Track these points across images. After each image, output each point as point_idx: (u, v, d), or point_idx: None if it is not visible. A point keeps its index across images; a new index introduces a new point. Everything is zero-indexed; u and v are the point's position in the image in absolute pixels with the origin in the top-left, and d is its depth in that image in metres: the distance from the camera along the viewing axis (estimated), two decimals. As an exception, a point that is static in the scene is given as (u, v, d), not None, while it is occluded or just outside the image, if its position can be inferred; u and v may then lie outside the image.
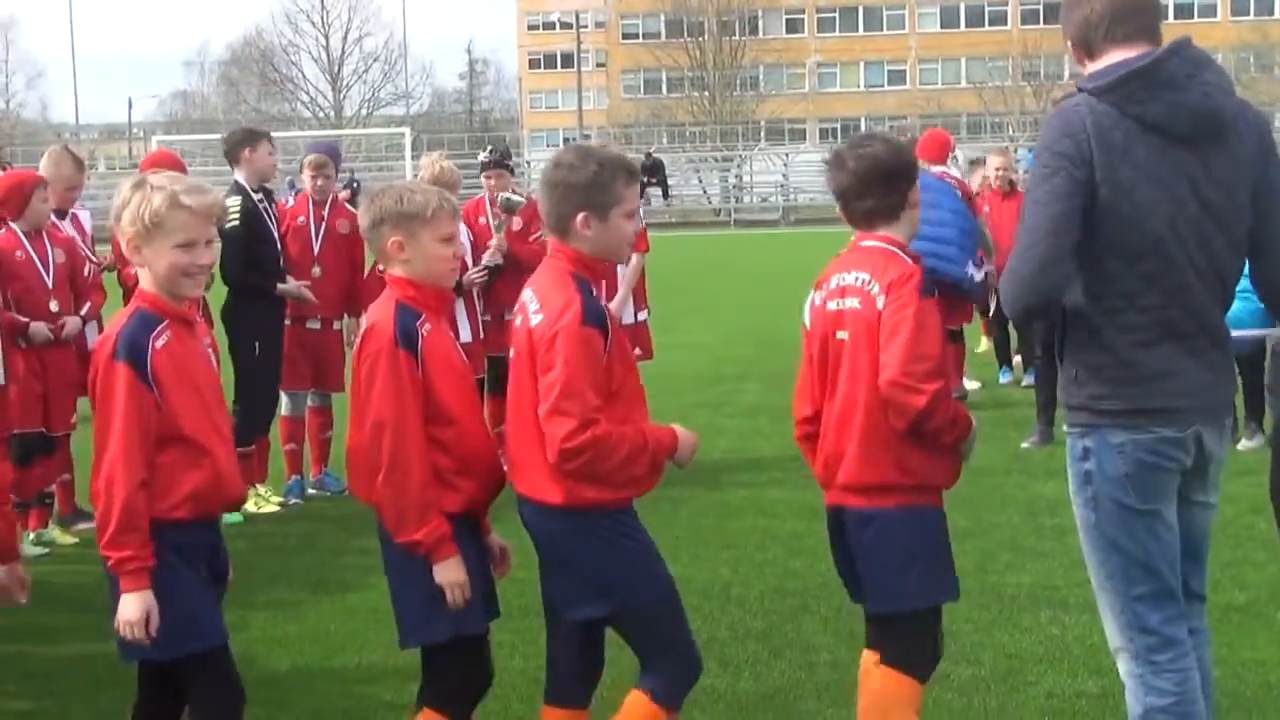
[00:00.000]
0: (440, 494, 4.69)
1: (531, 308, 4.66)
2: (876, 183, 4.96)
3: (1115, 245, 4.30)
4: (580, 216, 4.63)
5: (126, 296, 9.16)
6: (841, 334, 4.92)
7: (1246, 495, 9.00)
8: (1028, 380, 13.24)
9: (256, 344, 9.75)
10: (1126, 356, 4.36)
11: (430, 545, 4.64)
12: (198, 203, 4.49)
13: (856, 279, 4.91)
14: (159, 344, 4.45)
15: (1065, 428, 4.57)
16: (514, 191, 10.73)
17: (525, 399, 4.65)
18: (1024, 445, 11.17)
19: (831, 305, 4.96)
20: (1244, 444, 10.69)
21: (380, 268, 9.99)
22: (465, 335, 10.22)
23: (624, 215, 4.69)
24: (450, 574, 4.65)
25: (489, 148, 11.33)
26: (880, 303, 4.81)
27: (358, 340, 4.83)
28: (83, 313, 9.08)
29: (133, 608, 4.37)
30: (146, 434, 4.41)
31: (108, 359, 4.44)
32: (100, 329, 9.23)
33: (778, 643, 6.79)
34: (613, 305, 10.43)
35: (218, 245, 4.75)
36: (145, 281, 4.57)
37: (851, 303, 4.90)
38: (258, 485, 9.89)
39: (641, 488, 4.73)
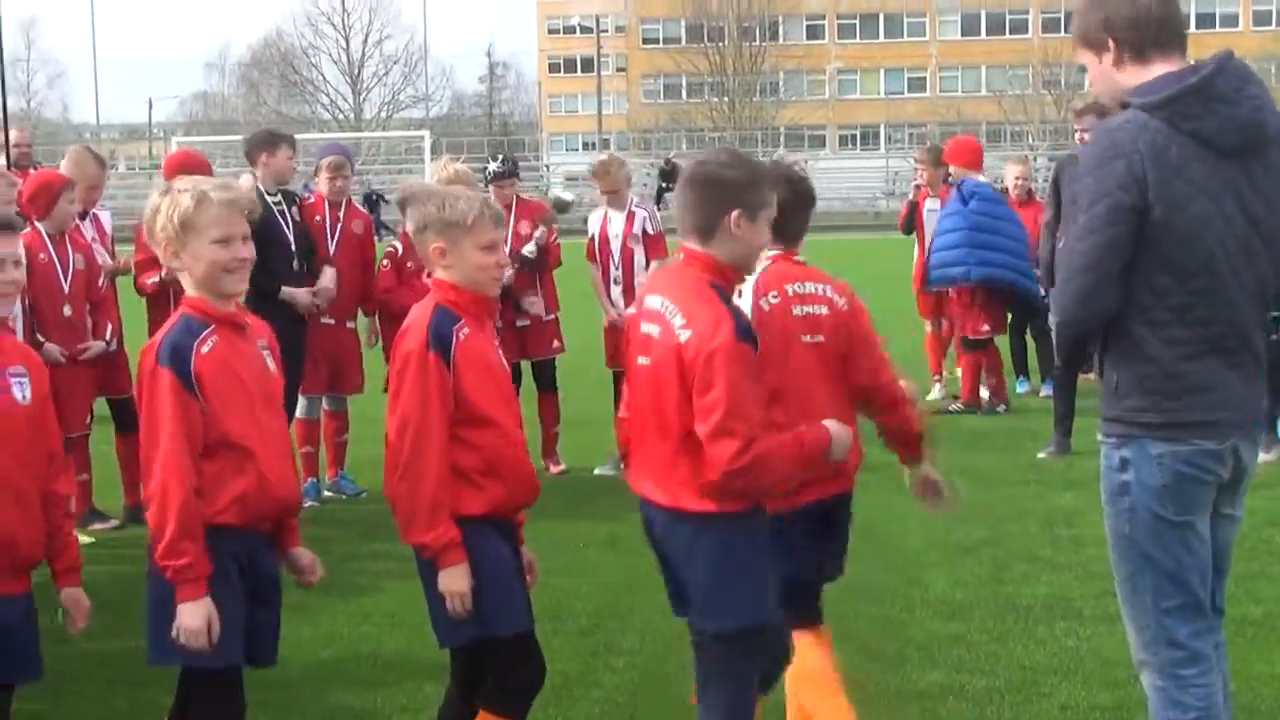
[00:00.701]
0: (464, 495, 4.69)
1: (675, 321, 4.58)
2: (811, 203, 5.41)
3: (1169, 261, 4.27)
4: (735, 214, 4.60)
5: (152, 306, 9.25)
6: (812, 338, 5.14)
7: (1263, 509, 8.98)
8: (1045, 390, 13.22)
9: None
10: (1171, 369, 4.33)
11: (436, 550, 4.64)
12: (226, 196, 4.51)
13: (818, 289, 5.22)
14: (204, 349, 4.45)
15: (1100, 438, 4.54)
16: (565, 187, 10.78)
17: (662, 409, 4.61)
18: (1040, 456, 11.12)
19: (797, 310, 5.15)
20: (1261, 457, 10.63)
21: (385, 264, 10.12)
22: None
23: (768, 221, 4.72)
24: (454, 582, 4.65)
25: (500, 157, 11.20)
26: (846, 308, 5.21)
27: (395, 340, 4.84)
28: (106, 336, 9.11)
29: (193, 616, 4.36)
30: (194, 440, 4.41)
31: (152, 366, 4.44)
32: (118, 336, 9.32)
33: (791, 650, 6.77)
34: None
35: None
36: (188, 286, 4.57)
37: (818, 309, 5.17)
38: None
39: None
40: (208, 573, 4.38)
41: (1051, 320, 4.54)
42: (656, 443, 4.66)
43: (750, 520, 4.63)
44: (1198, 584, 4.44)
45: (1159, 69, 4.33)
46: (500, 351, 4.96)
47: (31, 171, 10.55)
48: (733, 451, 4.42)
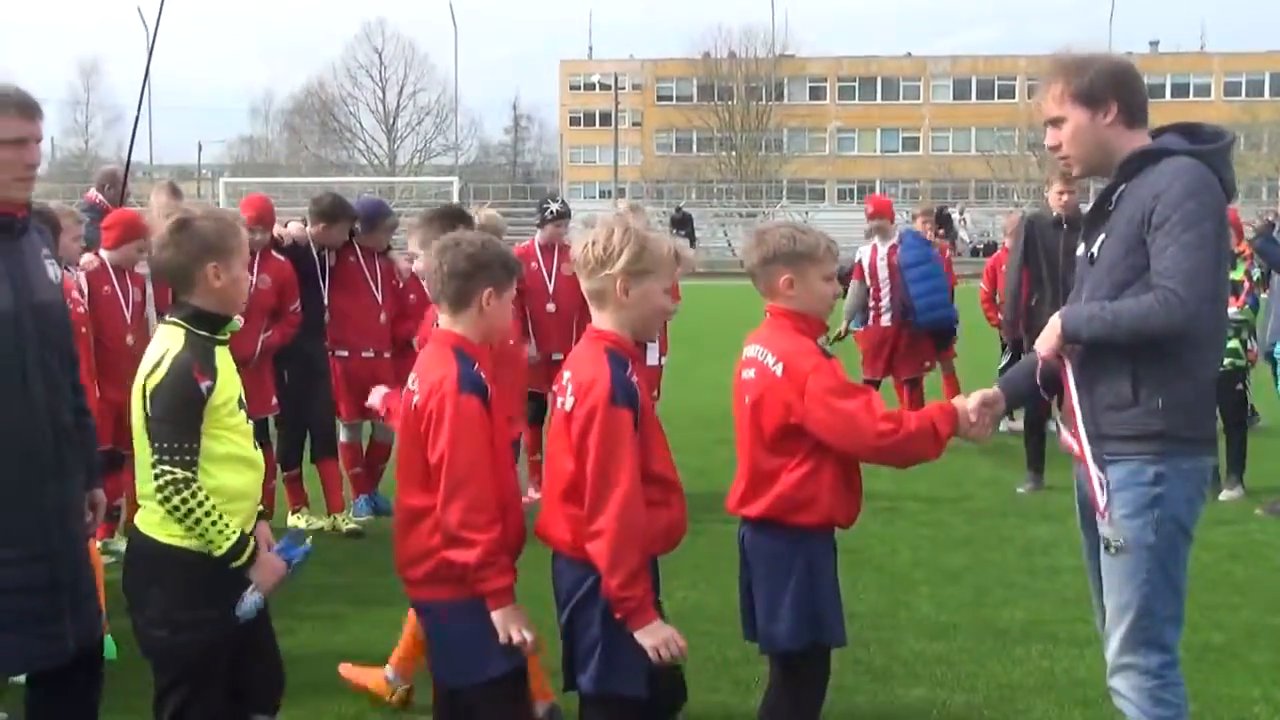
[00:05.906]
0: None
1: None
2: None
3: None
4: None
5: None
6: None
7: (1225, 543, 9.01)
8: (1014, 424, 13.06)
9: (285, 373, 9.81)
10: (1206, 389, 4.51)
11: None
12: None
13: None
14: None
15: (1119, 456, 4.47)
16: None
17: None
18: (1019, 490, 11.15)
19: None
20: (1225, 494, 10.66)
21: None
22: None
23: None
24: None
25: (560, 199, 11.37)
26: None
27: (780, 372, 4.67)
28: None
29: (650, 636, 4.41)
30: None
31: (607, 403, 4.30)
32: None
33: (787, 666, 6.79)
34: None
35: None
36: (618, 323, 4.48)
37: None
38: (302, 508, 10.04)
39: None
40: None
41: (1160, 319, 4.28)
42: None
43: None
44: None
45: (1145, 134, 4.52)
46: None
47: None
48: None
